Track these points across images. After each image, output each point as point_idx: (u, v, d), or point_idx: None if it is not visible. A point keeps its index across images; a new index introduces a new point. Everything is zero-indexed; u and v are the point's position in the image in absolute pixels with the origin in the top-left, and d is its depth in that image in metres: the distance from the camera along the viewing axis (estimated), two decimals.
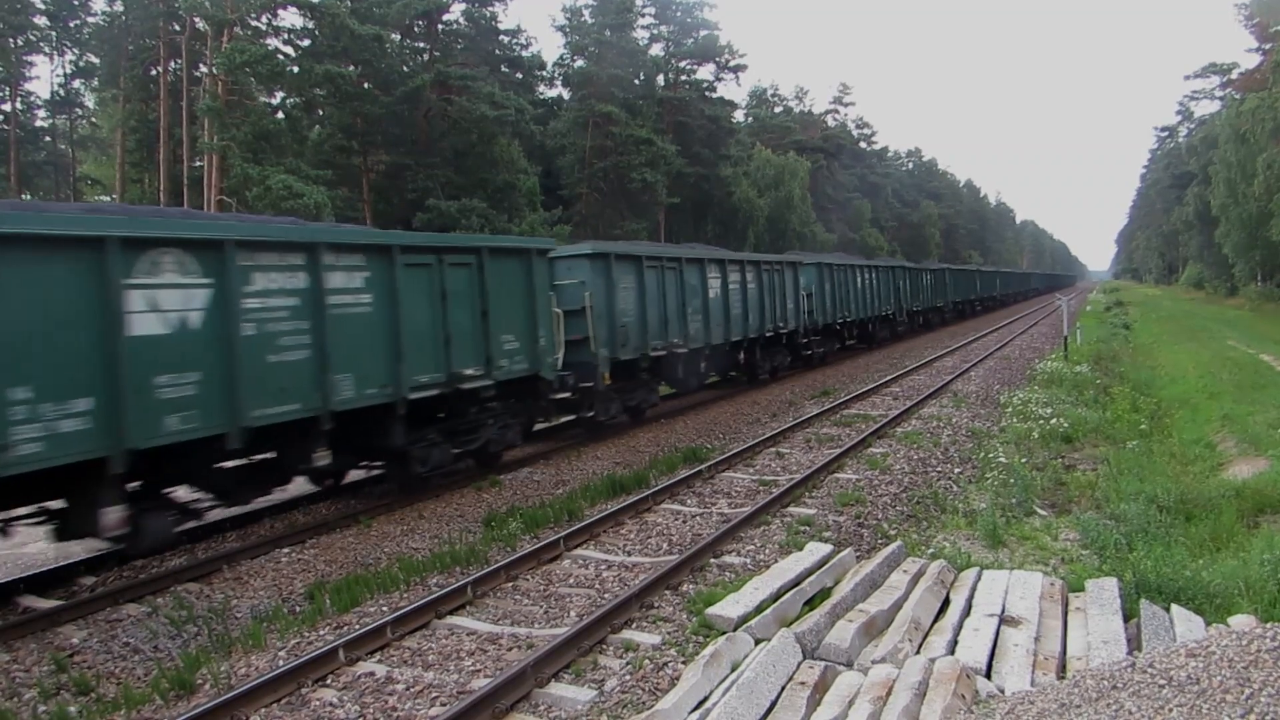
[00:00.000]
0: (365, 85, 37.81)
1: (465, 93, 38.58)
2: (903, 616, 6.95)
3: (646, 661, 6.71)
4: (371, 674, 6.81)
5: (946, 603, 7.39)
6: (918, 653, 6.39)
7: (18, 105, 42.40)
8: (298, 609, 8.45)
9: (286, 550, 10.05)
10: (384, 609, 8.21)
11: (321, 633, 7.79)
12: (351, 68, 36.65)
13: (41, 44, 43.15)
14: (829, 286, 28.60)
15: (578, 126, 47.70)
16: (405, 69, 39.87)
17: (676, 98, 55.46)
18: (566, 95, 53.20)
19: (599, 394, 16.15)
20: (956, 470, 13.07)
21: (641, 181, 46.64)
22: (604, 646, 7.10)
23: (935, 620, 7.06)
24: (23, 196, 39.52)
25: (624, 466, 14.06)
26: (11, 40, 40.37)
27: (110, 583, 9.38)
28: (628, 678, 6.50)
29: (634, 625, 7.49)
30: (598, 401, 16.30)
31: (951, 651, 6.40)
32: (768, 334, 23.23)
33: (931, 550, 9.10)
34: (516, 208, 38.36)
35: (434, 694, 6.45)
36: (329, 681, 6.74)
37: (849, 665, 6.41)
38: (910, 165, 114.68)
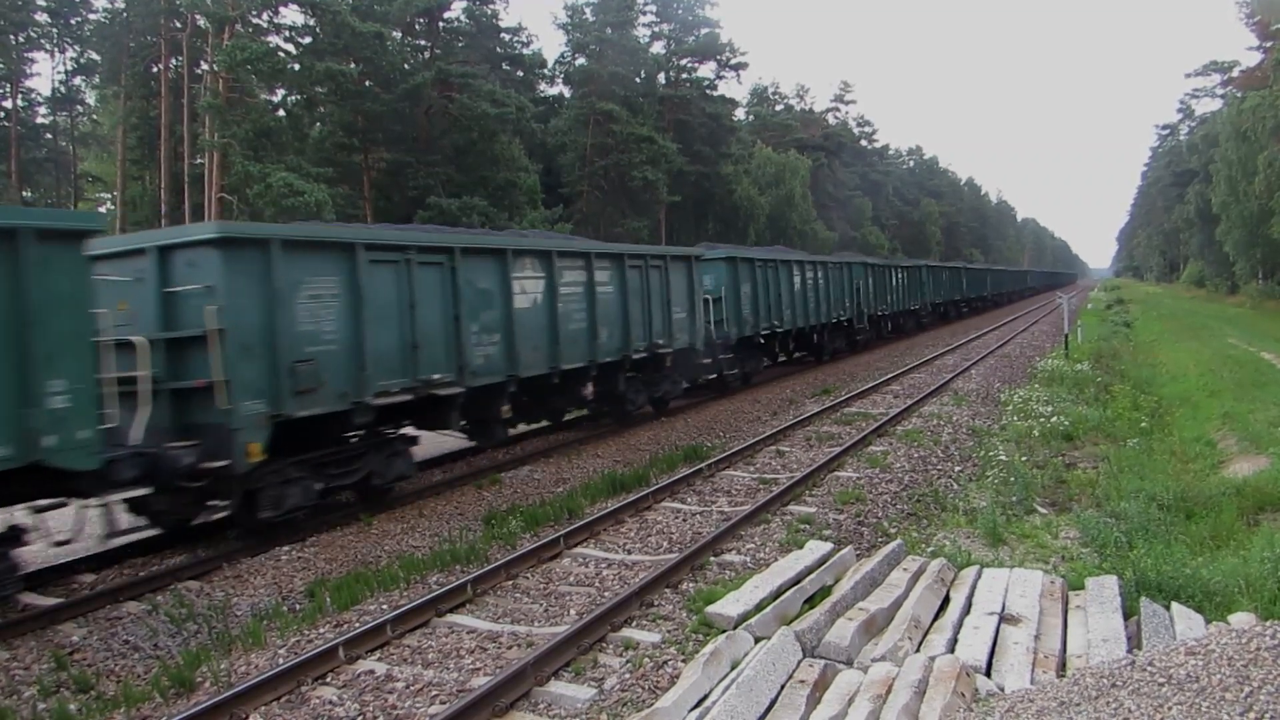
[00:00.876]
0: (366, 83, 37.81)
1: (466, 90, 38.57)
2: (903, 615, 6.96)
3: (646, 660, 6.71)
4: (371, 672, 6.80)
5: (946, 601, 7.39)
6: (917, 651, 6.39)
7: (19, 102, 42.40)
8: (298, 607, 8.46)
9: (287, 548, 10.04)
10: (384, 607, 8.21)
11: (321, 631, 7.78)
12: (352, 65, 36.65)
13: (43, 41, 43.16)
14: (749, 289, 22.65)
15: (579, 124, 47.69)
16: (406, 66, 39.87)
17: (677, 96, 55.46)
18: (567, 93, 53.23)
19: (247, 478, 9.70)
20: (957, 468, 13.07)
21: (642, 179, 46.64)
22: (604, 645, 7.10)
23: (935, 618, 7.06)
24: (23, 194, 39.56)
25: (624, 465, 14.04)
26: (13, 37, 40.35)
27: (110, 580, 9.39)
28: (627, 676, 6.49)
29: (634, 623, 7.49)
30: (254, 490, 9.90)
31: (951, 650, 6.39)
32: (638, 355, 17.00)
33: (932, 548, 9.10)
34: (517, 205, 38.37)
35: (434, 692, 6.44)
36: (329, 680, 6.73)
37: (849, 663, 6.41)
38: (911, 163, 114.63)
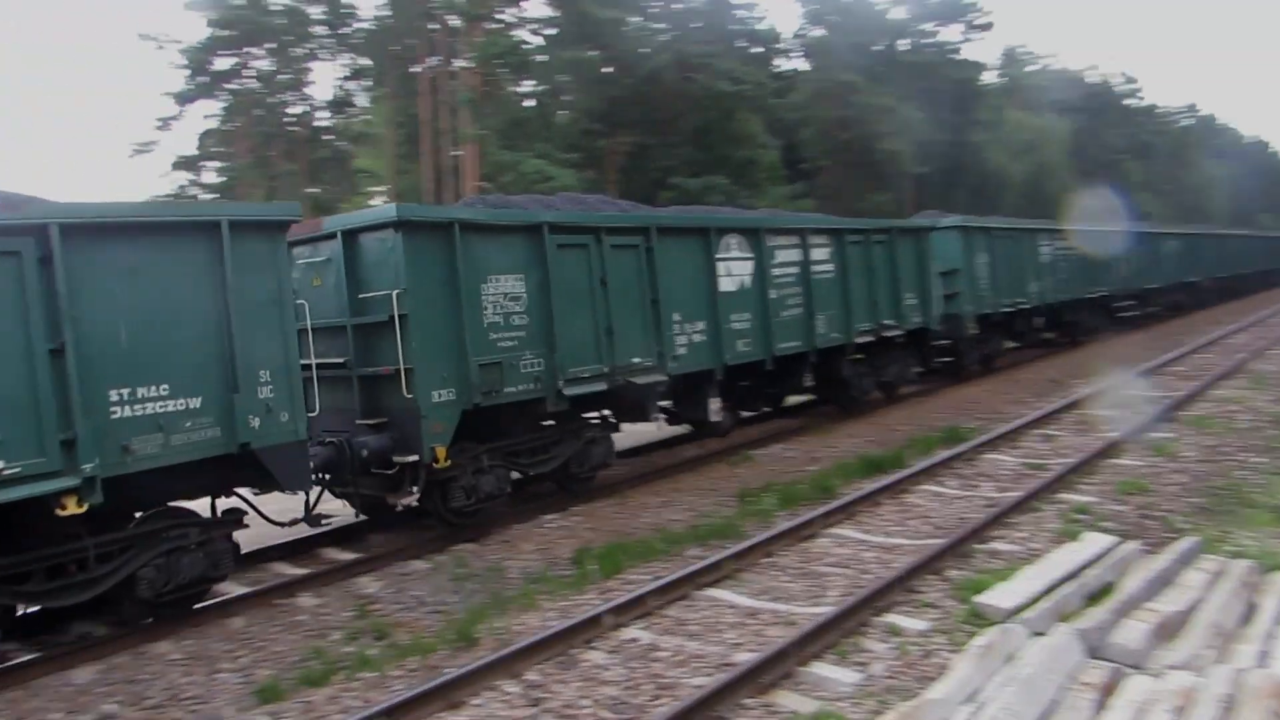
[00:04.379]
0: (608, 69, 38.81)
1: (704, 70, 38.74)
2: (1201, 620, 6.32)
3: (913, 647, 6.50)
4: (636, 640, 7.01)
5: (1253, 609, 6.65)
6: (1222, 661, 5.79)
7: (303, 108, 46.91)
8: (565, 573, 8.86)
9: (551, 517, 10.58)
10: (645, 577, 8.42)
11: (587, 597, 8.10)
12: (594, 52, 37.73)
13: (320, 52, 47.39)
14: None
15: (818, 97, 46.73)
16: (645, 50, 40.55)
17: (921, 62, 53.02)
18: (806, 66, 52.26)
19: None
20: (1259, 460, 11.69)
21: (886, 151, 45.10)
22: (866, 629, 6.92)
23: (1240, 627, 6.37)
24: (310, 191, 43.79)
25: (878, 445, 13.68)
26: (297, 50, 44.61)
27: (396, 540, 10.27)
28: (894, 662, 6.31)
29: (897, 609, 7.26)
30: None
31: (1263, 664, 5.74)
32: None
33: (1232, 548, 8.20)
34: (758, 183, 38.20)
35: (697, 664, 6.54)
36: (596, 644, 6.97)
37: (1138, 668, 5.91)
38: (1185, 122, 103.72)
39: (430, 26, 41.30)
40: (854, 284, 15.84)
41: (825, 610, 7.07)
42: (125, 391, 7.49)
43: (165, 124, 42.48)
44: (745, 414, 15.91)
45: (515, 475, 10.96)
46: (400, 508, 10.61)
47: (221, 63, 42.04)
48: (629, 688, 6.25)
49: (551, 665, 6.68)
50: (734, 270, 13.63)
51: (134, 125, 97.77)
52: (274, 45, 42.43)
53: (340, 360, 10.10)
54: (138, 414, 7.50)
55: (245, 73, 42.89)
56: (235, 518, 8.67)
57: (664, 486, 11.81)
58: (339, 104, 49.89)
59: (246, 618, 8.33)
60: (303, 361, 9.80)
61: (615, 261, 11.67)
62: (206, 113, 43.58)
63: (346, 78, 49.39)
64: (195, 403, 7.84)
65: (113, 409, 7.41)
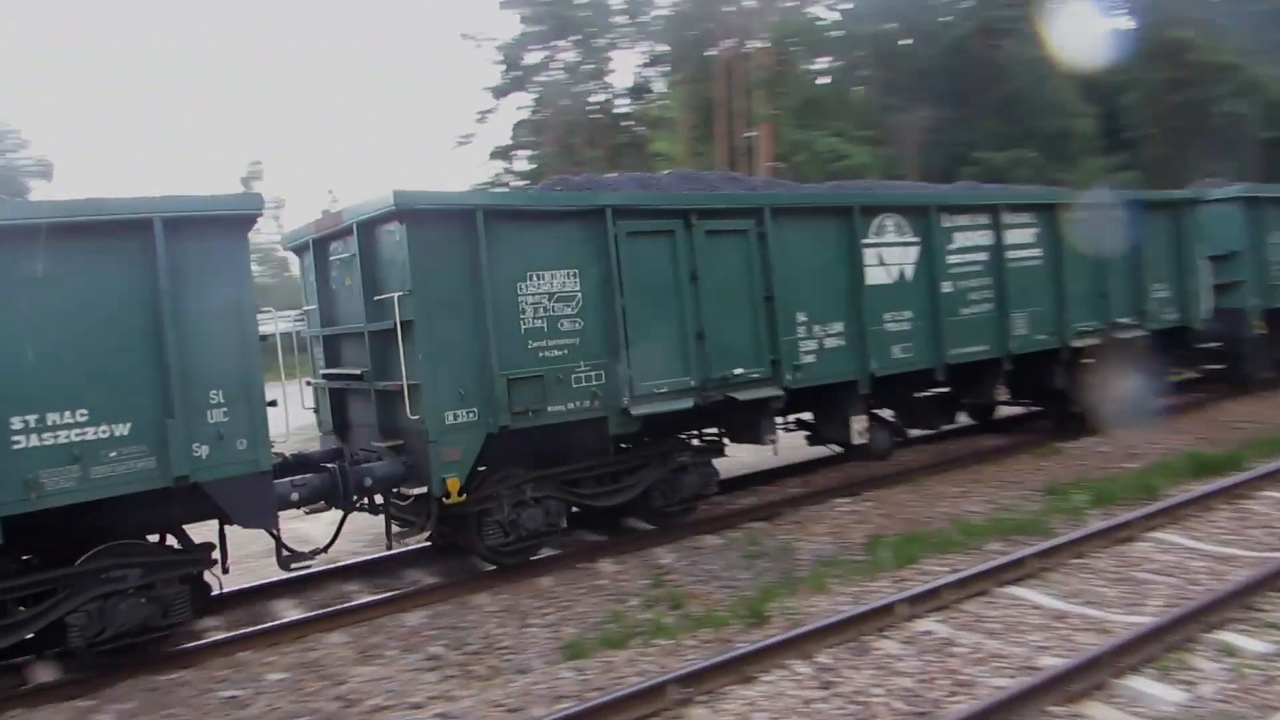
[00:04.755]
0: (906, 41, 37.42)
1: (1012, 35, 36.30)
2: None
3: (1251, 671, 5.82)
4: (930, 633, 6.82)
5: None
6: None
7: (605, 96, 49.24)
8: (857, 558, 8.79)
9: (843, 500, 10.53)
10: (941, 569, 8.17)
11: (879, 584, 7.98)
12: (892, 25, 36.50)
13: (620, 41, 49.43)
14: None
15: (1144, 58, 42.25)
16: (947, 18, 38.64)
17: (1274, 11, 46.36)
18: (1130, 24, 47.41)
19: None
20: None
21: (1227, 115, 39.99)
22: (1194, 645, 6.29)
23: None
24: (607, 175, 46.04)
25: (1210, 443, 12.36)
26: (599, 40, 46.85)
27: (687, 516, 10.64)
28: (1227, 685, 5.69)
29: (1232, 626, 6.53)
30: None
31: None
32: None
33: None
34: (1071, 155, 35.27)
35: (998, 663, 6.25)
36: (888, 633, 6.85)
37: None
38: None
39: (726, 9, 41.85)
40: (1071, 273, 12.99)
41: (1146, 620, 6.52)
42: (31, 419, 6.54)
43: (483, 117, 46.47)
44: (916, 432, 13.29)
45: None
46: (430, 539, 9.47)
47: (531, 57, 45.13)
48: (923, 680, 6.09)
49: (843, 650, 6.64)
50: (888, 258, 11.23)
51: (458, 119, 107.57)
52: (578, 37, 44.87)
53: (358, 372, 9.14)
54: (47, 444, 6.57)
55: (553, 65, 45.74)
56: (196, 556, 7.76)
57: (962, 476, 11.38)
58: (638, 90, 51.90)
59: (554, 578, 9.03)
60: (331, 371, 9.67)
61: (711, 250, 9.70)
62: (519, 104, 47.00)
63: (645, 64, 51.30)
64: (122, 429, 6.84)
65: (14, 439, 6.50)
